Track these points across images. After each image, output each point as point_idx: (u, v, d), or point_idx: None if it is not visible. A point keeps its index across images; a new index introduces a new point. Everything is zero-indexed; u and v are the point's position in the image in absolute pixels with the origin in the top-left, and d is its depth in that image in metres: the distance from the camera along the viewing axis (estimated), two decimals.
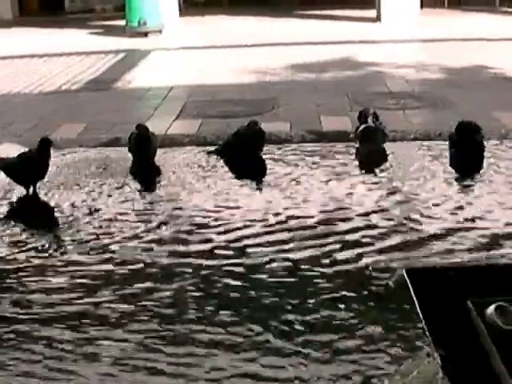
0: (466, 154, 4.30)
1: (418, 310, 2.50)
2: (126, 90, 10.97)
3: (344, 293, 2.67)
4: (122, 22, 16.04)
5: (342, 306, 2.59)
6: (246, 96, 10.01)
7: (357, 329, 2.46)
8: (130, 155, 4.37)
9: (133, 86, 11.12)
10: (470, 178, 4.10)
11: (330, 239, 3.16)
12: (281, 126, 8.00)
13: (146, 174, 4.30)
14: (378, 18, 16.47)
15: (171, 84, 10.99)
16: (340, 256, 2.98)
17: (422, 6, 16.84)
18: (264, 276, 2.84)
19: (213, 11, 18.84)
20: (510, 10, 17.66)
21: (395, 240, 3.12)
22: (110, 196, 3.80)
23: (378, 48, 13.86)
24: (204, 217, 3.47)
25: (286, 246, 3.09)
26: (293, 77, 11.30)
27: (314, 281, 2.77)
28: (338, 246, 3.07)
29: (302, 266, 2.90)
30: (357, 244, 3.09)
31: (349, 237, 3.18)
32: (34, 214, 3.79)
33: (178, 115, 9.09)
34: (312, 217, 3.42)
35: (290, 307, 2.57)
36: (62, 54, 13.85)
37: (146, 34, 15.40)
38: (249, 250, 3.08)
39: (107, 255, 3.07)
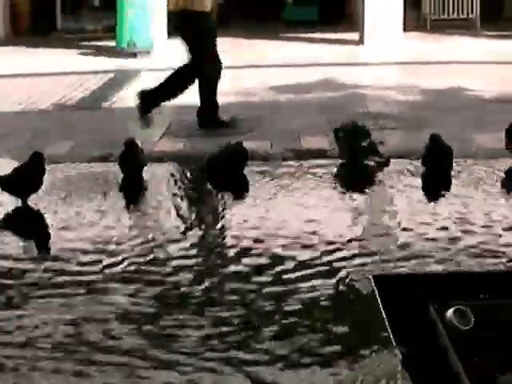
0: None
1: (383, 313, 2.75)
2: (115, 108, 11.33)
3: (317, 296, 2.99)
4: (113, 43, 16.40)
5: (317, 310, 2.90)
6: (229, 116, 10.36)
7: (327, 329, 2.77)
8: (119, 169, 4.72)
9: (121, 105, 11.47)
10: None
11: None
12: (261, 144, 8.35)
13: (134, 187, 4.64)
14: (360, 41, 16.87)
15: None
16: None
17: (405, 29, 17.25)
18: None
19: None
20: (489, 33, 18.08)
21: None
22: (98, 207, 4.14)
23: (360, 70, 14.26)
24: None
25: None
26: (275, 98, 11.67)
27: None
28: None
29: None
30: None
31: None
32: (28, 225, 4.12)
33: (163, 134, 9.44)
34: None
35: None
36: (53, 73, 14.18)
37: (135, 55, 15.76)
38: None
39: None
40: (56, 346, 2.60)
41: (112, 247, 3.61)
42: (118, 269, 3.32)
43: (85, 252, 3.53)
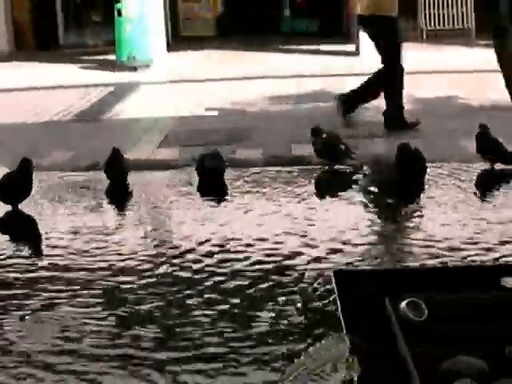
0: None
1: (339, 305, 2.94)
2: (114, 121, 11.65)
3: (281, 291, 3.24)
4: (113, 57, 16.75)
5: (280, 301, 3.17)
6: (223, 126, 10.68)
7: (286, 318, 3.03)
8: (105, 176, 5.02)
9: (120, 118, 11.80)
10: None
11: None
12: (254, 153, 8.64)
13: (119, 193, 4.93)
14: (357, 52, 17.17)
15: (156, 115, 11.69)
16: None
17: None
18: None
19: (200, 46, 19.55)
20: (483, 42, 18.35)
21: None
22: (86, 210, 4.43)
23: (355, 80, 14.48)
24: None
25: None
26: (269, 108, 11.99)
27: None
28: None
29: None
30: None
31: None
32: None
33: (159, 144, 9.75)
34: None
35: None
36: (55, 87, 14.54)
37: (135, 69, 16.09)
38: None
39: None
40: None
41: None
42: None
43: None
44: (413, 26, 19.86)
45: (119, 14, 16.26)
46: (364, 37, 16.80)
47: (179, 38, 21.17)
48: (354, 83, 14.10)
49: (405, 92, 12.56)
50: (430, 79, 14.06)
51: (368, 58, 16.55)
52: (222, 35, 21.18)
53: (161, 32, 17.17)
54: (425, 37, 19.55)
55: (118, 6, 16.30)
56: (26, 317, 3.01)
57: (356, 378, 2.40)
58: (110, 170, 5.20)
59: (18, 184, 4.69)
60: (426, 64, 15.29)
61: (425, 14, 19.76)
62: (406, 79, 13.89)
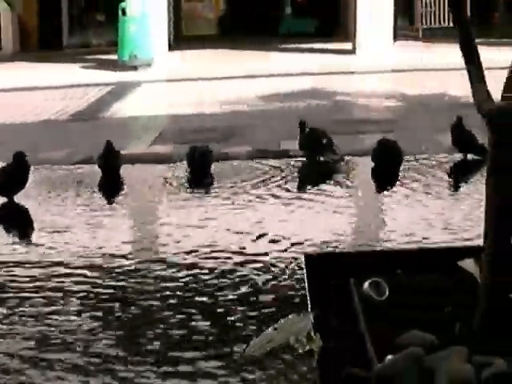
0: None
1: (306, 286, 3.13)
2: (111, 119, 11.97)
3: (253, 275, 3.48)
4: (115, 57, 17.07)
5: (253, 282, 3.39)
6: (217, 124, 10.98)
7: (254, 297, 3.26)
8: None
9: (117, 116, 12.12)
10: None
11: None
12: (243, 149, 8.94)
13: (112, 185, 5.19)
14: (353, 51, 17.46)
15: (152, 114, 12.00)
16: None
17: (396, 39, 17.83)
18: None
19: (202, 45, 19.86)
20: (479, 40, 18.55)
21: None
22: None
23: (349, 79, 14.86)
24: None
25: None
26: (264, 106, 12.29)
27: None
28: None
29: None
30: None
31: None
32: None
33: (153, 141, 10.06)
34: None
35: None
36: (56, 86, 14.87)
37: (135, 68, 16.41)
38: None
39: None
40: None
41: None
42: None
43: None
44: (408, 24, 20.12)
45: (123, 13, 16.57)
46: (360, 35, 17.20)
47: (182, 38, 21.50)
48: (345, 81, 14.47)
49: (394, 90, 12.90)
50: (423, 77, 14.32)
51: (363, 56, 16.89)
52: (224, 34, 21.49)
53: (163, 31, 17.49)
54: (420, 35, 19.74)
55: (123, 4, 16.61)
56: None
57: (316, 350, 2.61)
58: (103, 163, 5.50)
59: (13, 177, 4.94)
60: (420, 62, 15.53)
61: (421, 12, 19.95)
62: (397, 77, 14.18)
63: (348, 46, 17.90)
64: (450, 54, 17.31)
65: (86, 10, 21.29)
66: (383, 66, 15.87)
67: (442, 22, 19.92)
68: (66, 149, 9.56)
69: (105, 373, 2.63)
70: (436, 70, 14.88)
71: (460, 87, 13.11)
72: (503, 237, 2.66)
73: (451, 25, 19.69)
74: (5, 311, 3.21)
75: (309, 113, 11.39)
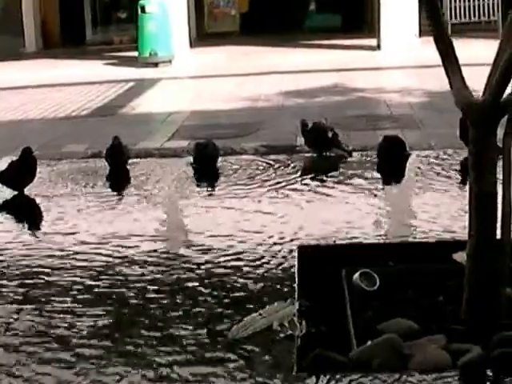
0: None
1: (296, 276, 3.10)
2: (130, 115, 11.93)
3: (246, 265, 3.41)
4: (136, 53, 17.04)
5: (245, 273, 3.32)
6: (235, 120, 10.89)
7: (247, 287, 3.20)
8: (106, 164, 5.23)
9: (136, 112, 12.08)
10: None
11: None
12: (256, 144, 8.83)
13: (120, 179, 5.13)
14: (378, 46, 17.29)
15: (171, 110, 11.93)
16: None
17: (423, 35, 17.62)
18: None
19: (224, 42, 19.79)
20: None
21: None
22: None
23: (372, 75, 14.67)
24: None
25: None
26: (283, 102, 12.17)
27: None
28: None
29: None
30: None
31: None
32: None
33: (170, 137, 9.99)
34: None
35: None
36: (77, 83, 14.86)
37: (156, 65, 16.36)
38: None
39: None
40: None
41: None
42: None
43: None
44: None
45: (143, 10, 16.53)
46: (385, 31, 17.02)
47: (204, 35, 21.44)
48: (368, 77, 14.31)
49: (417, 86, 12.73)
50: (443, 73, 14.08)
51: (388, 52, 16.72)
52: (247, 31, 21.39)
53: (183, 28, 17.41)
54: (450, 31, 19.47)
55: (142, 2, 16.57)
56: None
57: (298, 335, 2.58)
58: (111, 157, 5.41)
59: (23, 171, 4.95)
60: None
61: (448, 7, 19.68)
62: (421, 73, 13.99)
63: (373, 41, 17.73)
64: (479, 49, 17.20)
65: (108, 7, 21.31)
66: (408, 61, 15.70)
67: (471, 17, 19.61)
68: (85, 143, 9.54)
69: None
70: (462, 66, 14.67)
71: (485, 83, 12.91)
72: (485, 226, 2.66)
73: (481, 19, 19.54)
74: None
75: (330, 109, 11.28)
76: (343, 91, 12.86)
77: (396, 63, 15.64)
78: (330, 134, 5.67)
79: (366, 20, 20.81)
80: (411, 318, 2.67)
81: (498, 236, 2.67)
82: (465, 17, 19.74)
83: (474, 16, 19.68)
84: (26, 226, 4.41)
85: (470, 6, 19.70)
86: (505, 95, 2.63)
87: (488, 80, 2.66)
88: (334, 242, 3.58)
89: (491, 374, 2.35)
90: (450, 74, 2.76)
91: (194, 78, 15.56)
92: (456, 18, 19.72)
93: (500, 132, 2.72)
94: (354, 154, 5.50)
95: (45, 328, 2.80)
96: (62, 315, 2.90)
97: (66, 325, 2.81)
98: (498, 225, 2.66)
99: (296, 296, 2.92)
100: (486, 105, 2.65)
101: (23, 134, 10.60)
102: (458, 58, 2.76)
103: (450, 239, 3.51)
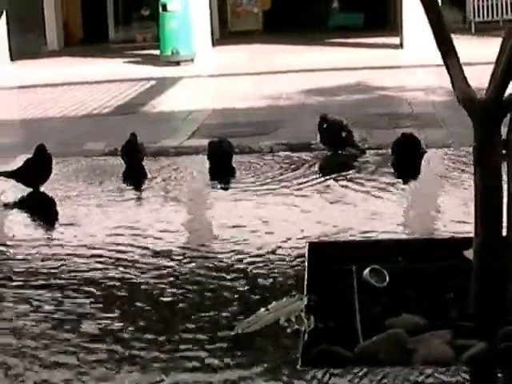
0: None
1: (306, 272, 3.11)
2: (151, 113, 11.96)
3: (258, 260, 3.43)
4: (158, 52, 17.08)
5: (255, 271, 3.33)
6: (256, 118, 10.88)
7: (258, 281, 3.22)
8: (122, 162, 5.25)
9: (157, 110, 12.11)
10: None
11: None
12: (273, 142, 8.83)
13: (136, 177, 5.15)
14: (400, 45, 17.22)
15: (192, 108, 11.94)
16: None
17: None
18: None
19: (247, 40, 19.78)
20: None
21: None
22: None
23: (394, 73, 14.62)
24: None
25: None
26: (304, 101, 12.14)
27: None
28: None
29: None
30: None
31: None
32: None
33: (190, 136, 10.01)
34: None
35: None
36: (99, 81, 14.91)
37: (178, 63, 16.38)
38: None
39: None
40: None
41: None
42: None
43: None
44: (461, 18, 19.73)
45: (164, 8, 16.56)
46: (407, 29, 16.93)
47: (227, 33, 21.44)
48: (390, 75, 14.24)
49: (438, 84, 12.66)
50: (472, 72, 14.02)
51: (410, 51, 16.64)
52: (270, 30, 21.36)
53: (206, 27, 17.40)
54: (473, 30, 19.32)
55: (164, 0, 16.60)
56: None
57: (306, 330, 2.60)
58: (126, 155, 5.43)
59: (38, 168, 4.98)
60: (470, 57, 15.20)
61: (473, 5, 19.51)
62: (443, 72, 13.87)
63: (395, 40, 17.64)
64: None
65: (130, 5, 21.36)
66: (431, 60, 15.55)
67: (496, 16, 19.42)
68: (105, 141, 9.57)
69: None
70: (487, 64, 14.59)
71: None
72: (491, 223, 2.67)
73: (506, 17, 19.32)
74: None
75: (351, 107, 11.25)
76: (365, 89, 12.82)
77: (418, 62, 15.54)
78: (343, 133, 5.65)
79: (389, 18, 20.73)
80: (419, 313, 2.67)
81: (505, 233, 2.67)
82: (487, 15, 19.59)
83: (497, 14, 19.52)
84: (40, 222, 4.44)
85: (493, 5, 19.55)
86: (507, 94, 2.63)
87: (491, 78, 2.66)
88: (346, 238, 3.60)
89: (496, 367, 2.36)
90: (451, 72, 2.76)
91: (215, 76, 15.57)
92: (479, 16, 19.60)
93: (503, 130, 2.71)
94: (370, 151, 5.51)
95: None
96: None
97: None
98: (505, 222, 2.66)
99: (305, 291, 2.93)
100: (489, 102, 2.65)
101: (44, 132, 10.64)
102: (459, 57, 2.77)
103: (462, 236, 3.50)
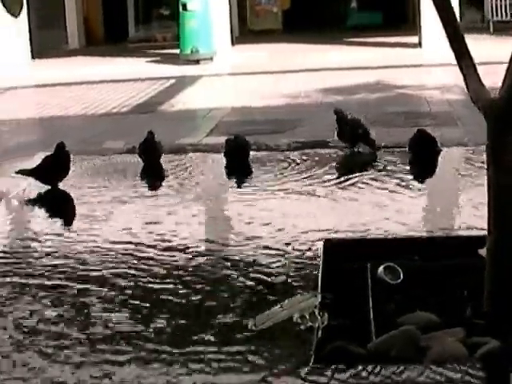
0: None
1: (320, 269, 3.11)
2: (170, 112, 12.02)
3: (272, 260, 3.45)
4: (178, 51, 17.13)
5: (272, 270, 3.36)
6: (275, 116, 10.92)
7: (274, 277, 3.24)
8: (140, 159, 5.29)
9: (176, 109, 12.16)
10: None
11: None
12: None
13: (153, 174, 5.18)
14: (419, 44, 17.19)
15: (211, 106, 11.99)
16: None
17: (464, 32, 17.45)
18: None
19: (267, 39, 19.81)
20: None
21: None
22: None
23: (413, 72, 14.62)
24: None
25: None
26: (322, 99, 12.15)
27: None
28: None
29: None
30: None
31: None
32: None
33: (208, 133, 10.06)
34: None
35: None
36: (119, 80, 14.99)
37: (197, 62, 16.43)
38: None
39: None
40: None
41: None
42: None
43: None
44: (479, 17, 19.67)
45: (184, 8, 16.61)
46: (426, 28, 16.90)
47: (246, 32, 21.48)
48: (408, 74, 14.23)
49: (455, 83, 12.64)
50: (491, 71, 14.00)
51: (429, 50, 16.60)
52: (290, 29, 21.39)
53: (225, 26, 17.45)
54: (492, 29, 19.24)
55: (184, 0, 16.65)
56: None
57: (317, 326, 2.61)
58: (144, 152, 5.44)
59: (56, 166, 5.00)
60: (488, 56, 15.19)
61: (491, 4, 19.45)
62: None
63: (414, 39, 17.63)
64: None
65: (150, 4, 21.42)
66: (449, 59, 15.46)
67: None
68: (125, 140, 9.62)
69: None
70: (504, 63, 14.54)
71: None
72: (504, 221, 2.68)
73: None
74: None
75: (370, 105, 11.27)
76: (384, 88, 12.83)
77: (437, 61, 15.47)
78: (360, 131, 5.66)
79: (408, 18, 20.70)
80: (433, 311, 2.68)
81: None
82: (506, 15, 19.51)
83: None
84: (58, 220, 4.48)
85: (511, 4, 19.44)
86: None
87: (505, 77, 2.66)
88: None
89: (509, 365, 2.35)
90: (465, 72, 2.76)
91: (234, 75, 15.62)
92: (497, 15, 19.52)
93: None
94: (386, 149, 5.52)
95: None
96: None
97: None
98: None
99: (319, 288, 2.94)
100: (502, 101, 2.66)
101: (64, 130, 10.73)
102: (472, 57, 2.77)
103: (478, 234, 3.50)
